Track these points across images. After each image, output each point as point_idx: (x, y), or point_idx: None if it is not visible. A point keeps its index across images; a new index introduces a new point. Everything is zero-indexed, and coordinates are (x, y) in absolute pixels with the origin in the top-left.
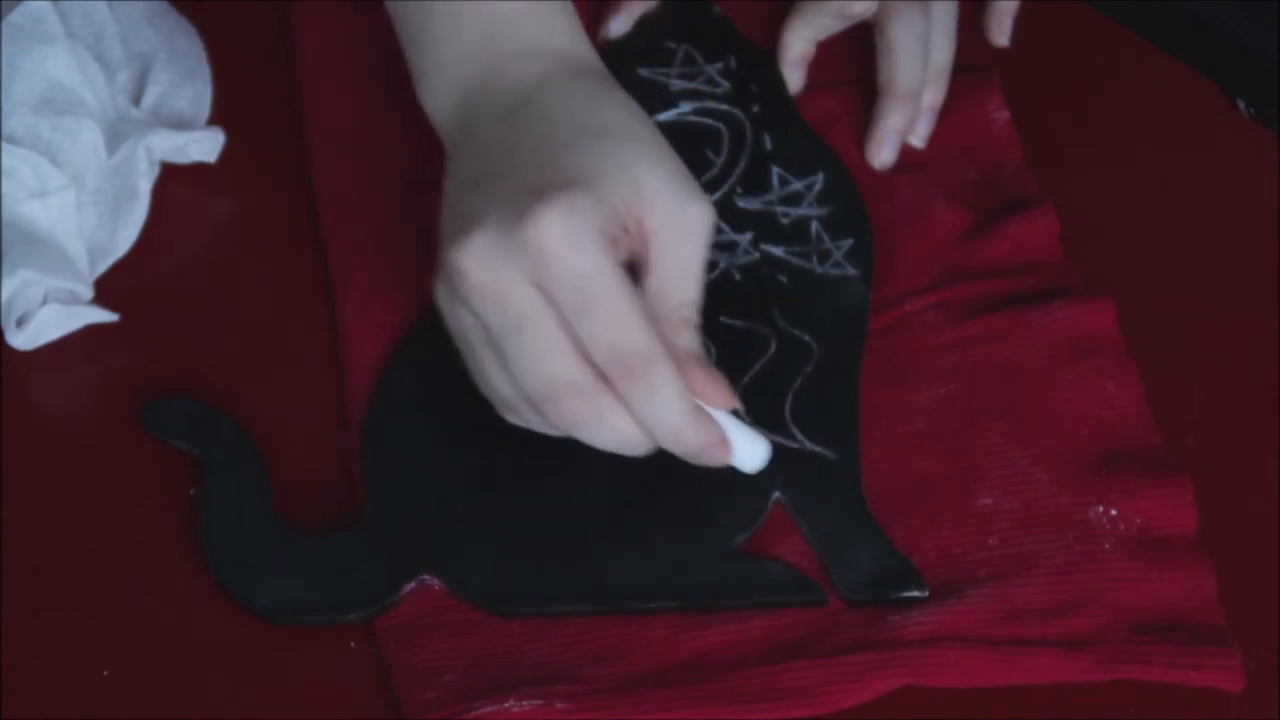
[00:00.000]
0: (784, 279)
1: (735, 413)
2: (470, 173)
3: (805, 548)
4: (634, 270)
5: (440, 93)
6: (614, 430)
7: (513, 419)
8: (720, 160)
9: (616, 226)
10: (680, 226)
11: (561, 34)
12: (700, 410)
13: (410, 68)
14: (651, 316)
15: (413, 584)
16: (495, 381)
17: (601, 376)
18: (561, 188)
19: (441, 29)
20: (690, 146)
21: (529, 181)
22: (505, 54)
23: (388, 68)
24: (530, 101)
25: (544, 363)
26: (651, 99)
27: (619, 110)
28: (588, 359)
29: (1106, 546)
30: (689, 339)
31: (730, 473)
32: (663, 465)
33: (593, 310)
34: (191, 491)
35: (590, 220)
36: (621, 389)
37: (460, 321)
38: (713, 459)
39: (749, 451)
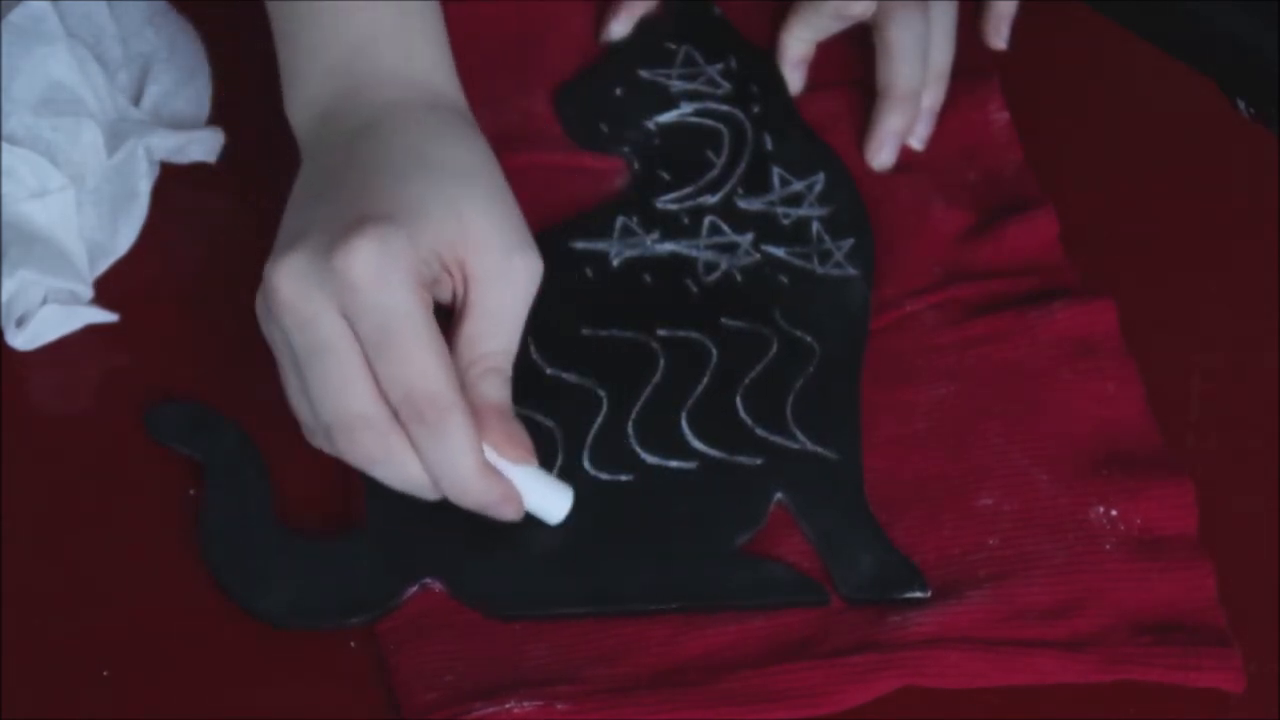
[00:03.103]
0: (785, 280)
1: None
2: (309, 189)
3: (807, 548)
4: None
5: (301, 104)
6: (403, 472)
7: (314, 443)
8: (721, 161)
9: (434, 266)
10: (502, 275)
11: (422, 63)
12: (489, 465)
13: (280, 71)
14: (463, 363)
15: (415, 587)
16: (298, 402)
17: (396, 419)
18: (380, 220)
19: (309, 42)
20: (691, 147)
21: (353, 209)
22: (363, 75)
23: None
24: (374, 127)
25: (340, 394)
26: (652, 100)
27: (461, 148)
28: (385, 397)
29: (1107, 547)
30: (496, 389)
31: (732, 473)
32: (665, 468)
33: (391, 348)
34: (191, 492)
35: (403, 257)
36: (411, 433)
37: (272, 337)
38: (501, 514)
39: (550, 504)
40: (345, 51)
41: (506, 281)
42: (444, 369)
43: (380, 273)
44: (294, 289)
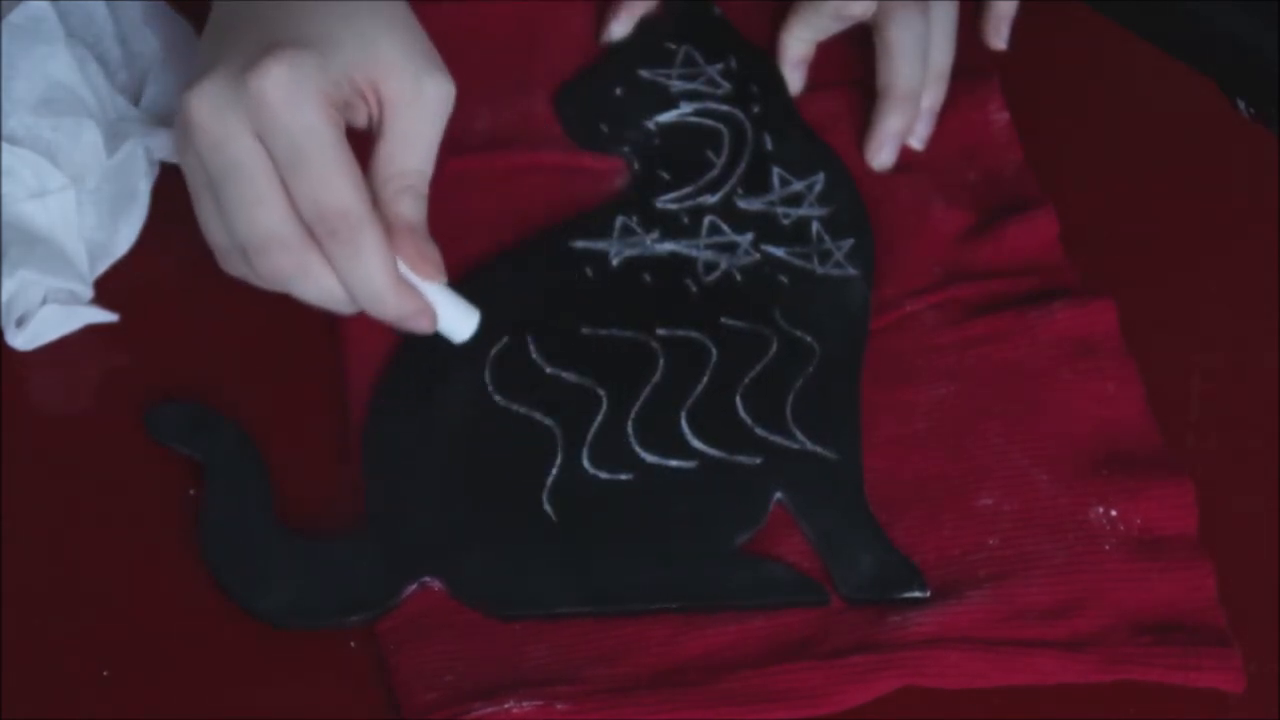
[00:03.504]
0: (785, 279)
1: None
2: (221, 24)
3: (807, 548)
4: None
5: None
6: (319, 288)
7: (229, 269)
8: (721, 161)
9: (346, 90)
10: (414, 96)
11: None
12: (403, 279)
13: None
14: (378, 182)
15: (414, 586)
16: (213, 227)
17: (311, 234)
18: (291, 45)
19: None
20: (691, 147)
21: (266, 37)
22: None
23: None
24: None
25: (255, 213)
26: (652, 100)
27: None
28: (299, 216)
29: (1107, 547)
30: (410, 208)
31: (732, 473)
32: (664, 468)
33: (303, 166)
34: (191, 492)
35: (314, 80)
36: (326, 248)
37: (186, 164)
38: (415, 327)
39: (458, 322)
40: None
41: (418, 103)
42: (355, 186)
43: (292, 93)
44: (208, 112)
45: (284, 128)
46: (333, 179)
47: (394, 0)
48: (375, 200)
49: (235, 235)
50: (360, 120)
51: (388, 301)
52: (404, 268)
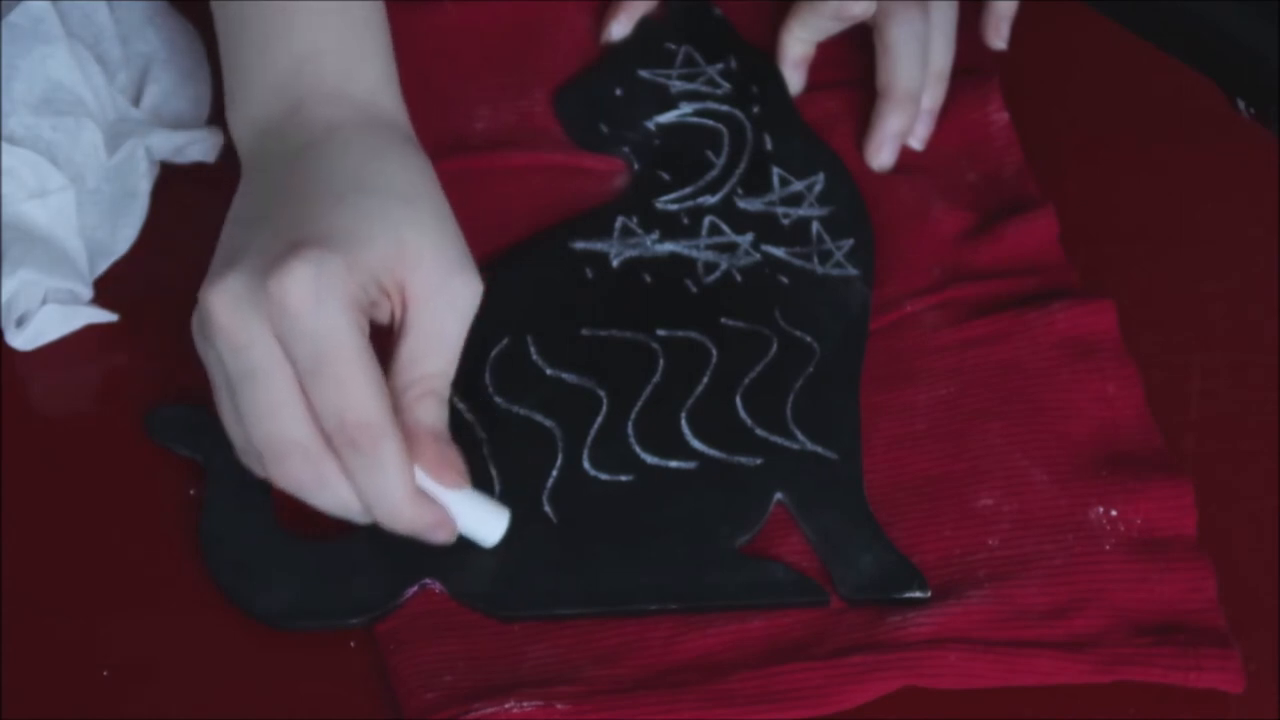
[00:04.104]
0: (785, 280)
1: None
2: (248, 208)
3: (807, 548)
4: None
5: (243, 119)
6: (335, 498)
7: (247, 465)
8: (721, 161)
9: (372, 290)
10: (441, 296)
11: (365, 81)
12: (420, 492)
13: (224, 83)
14: (400, 384)
15: (414, 587)
16: (231, 425)
17: (329, 445)
18: (317, 244)
19: (253, 56)
20: (691, 147)
21: (292, 231)
22: (306, 92)
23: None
24: (314, 147)
25: (272, 418)
26: (652, 100)
27: (402, 169)
28: (319, 424)
29: (1106, 548)
30: (432, 413)
31: (732, 473)
32: (664, 468)
33: (325, 374)
34: (192, 492)
35: (339, 282)
36: (344, 459)
37: (207, 360)
38: (433, 539)
39: (485, 526)
40: (289, 66)
41: (446, 302)
42: (378, 396)
43: (315, 298)
44: (229, 312)
45: (306, 333)
46: (355, 388)
47: (429, 188)
48: (396, 403)
49: (253, 438)
50: (383, 317)
51: (405, 515)
52: (423, 476)
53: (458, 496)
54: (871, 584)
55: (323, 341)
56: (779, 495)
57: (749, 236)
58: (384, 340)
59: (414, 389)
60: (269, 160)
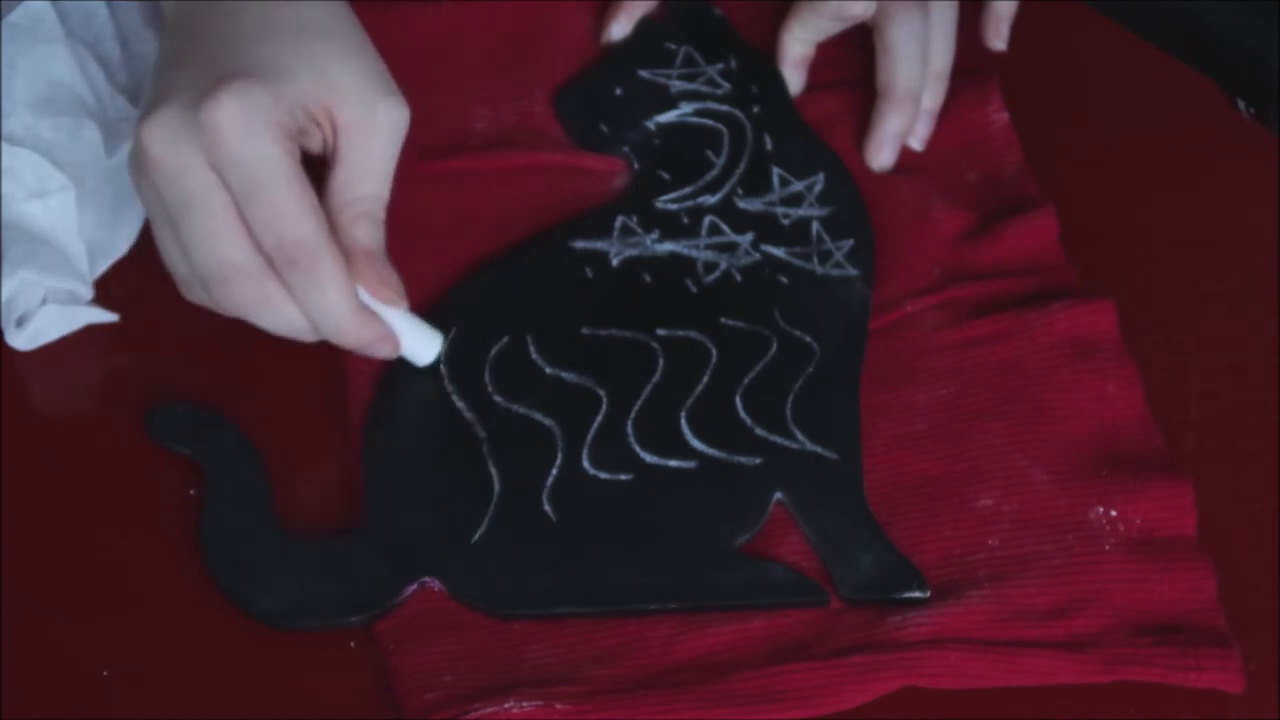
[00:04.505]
0: (785, 280)
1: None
2: (174, 53)
3: (807, 548)
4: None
5: None
6: (280, 317)
7: (190, 297)
8: (721, 161)
9: (299, 117)
10: (368, 121)
11: None
12: (364, 306)
13: None
14: (334, 208)
15: (414, 586)
16: (173, 257)
17: (270, 265)
18: (243, 76)
19: None
20: (691, 147)
21: (218, 67)
22: None
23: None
24: None
25: (213, 243)
26: (652, 100)
27: (319, 9)
28: (258, 245)
29: (1106, 548)
30: (367, 233)
31: (732, 473)
32: (664, 468)
33: (260, 197)
34: (192, 492)
35: (266, 110)
36: (285, 278)
37: (144, 195)
38: (378, 353)
39: (421, 346)
40: None
41: (373, 128)
42: (313, 215)
43: (245, 124)
44: (163, 144)
45: (238, 159)
46: (290, 209)
47: (346, 24)
48: (332, 227)
49: (194, 266)
50: (315, 146)
51: (349, 329)
52: (365, 294)
53: (396, 317)
54: (871, 584)
55: (255, 167)
56: (779, 495)
57: (749, 236)
58: (319, 168)
59: (348, 211)
60: (190, 10)
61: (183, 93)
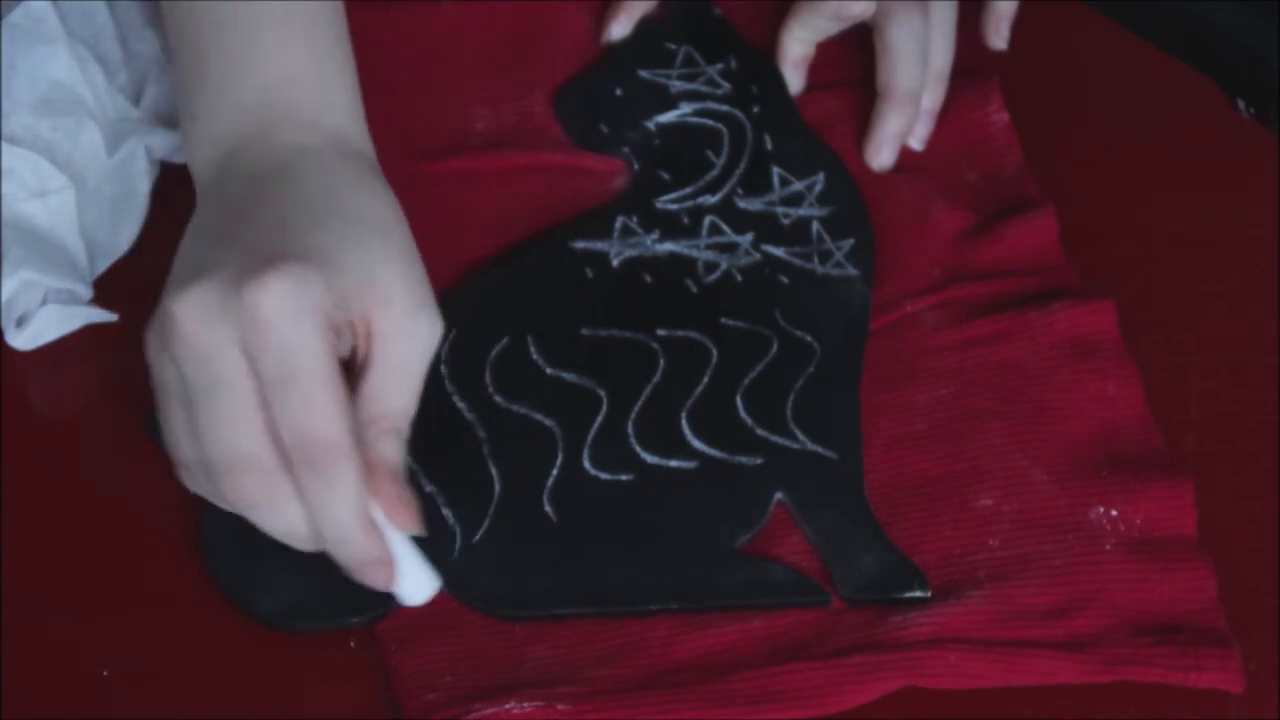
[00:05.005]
0: (785, 280)
1: (418, 541)
2: (212, 226)
3: (807, 548)
4: (352, 372)
5: (204, 140)
6: (284, 518)
7: (189, 484)
8: (721, 161)
9: (343, 315)
10: (408, 333)
11: (337, 112)
12: (372, 524)
13: (179, 103)
14: (362, 419)
15: None
16: (181, 440)
17: (285, 463)
18: (296, 260)
19: (218, 77)
20: (691, 147)
21: (265, 247)
22: (275, 118)
23: (385, 69)
24: (287, 170)
25: (231, 431)
26: (652, 100)
27: (375, 201)
28: (277, 441)
29: (1107, 548)
30: (392, 449)
31: (732, 473)
32: (665, 468)
33: (292, 387)
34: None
35: (316, 298)
36: (300, 477)
37: (162, 371)
38: (372, 578)
39: (416, 582)
40: (258, 93)
41: (412, 338)
42: (344, 416)
43: (292, 310)
44: (196, 320)
45: (279, 345)
46: (322, 404)
47: (398, 222)
48: (365, 442)
49: (205, 453)
50: (343, 349)
51: (354, 542)
52: (377, 514)
53: (402, 546)
54: (872, 584)
55: (294, 354)
56: (779, 495)
57: (749, 236)
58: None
59: (376, 425)
60: (233, 179)
61: (223, 269)
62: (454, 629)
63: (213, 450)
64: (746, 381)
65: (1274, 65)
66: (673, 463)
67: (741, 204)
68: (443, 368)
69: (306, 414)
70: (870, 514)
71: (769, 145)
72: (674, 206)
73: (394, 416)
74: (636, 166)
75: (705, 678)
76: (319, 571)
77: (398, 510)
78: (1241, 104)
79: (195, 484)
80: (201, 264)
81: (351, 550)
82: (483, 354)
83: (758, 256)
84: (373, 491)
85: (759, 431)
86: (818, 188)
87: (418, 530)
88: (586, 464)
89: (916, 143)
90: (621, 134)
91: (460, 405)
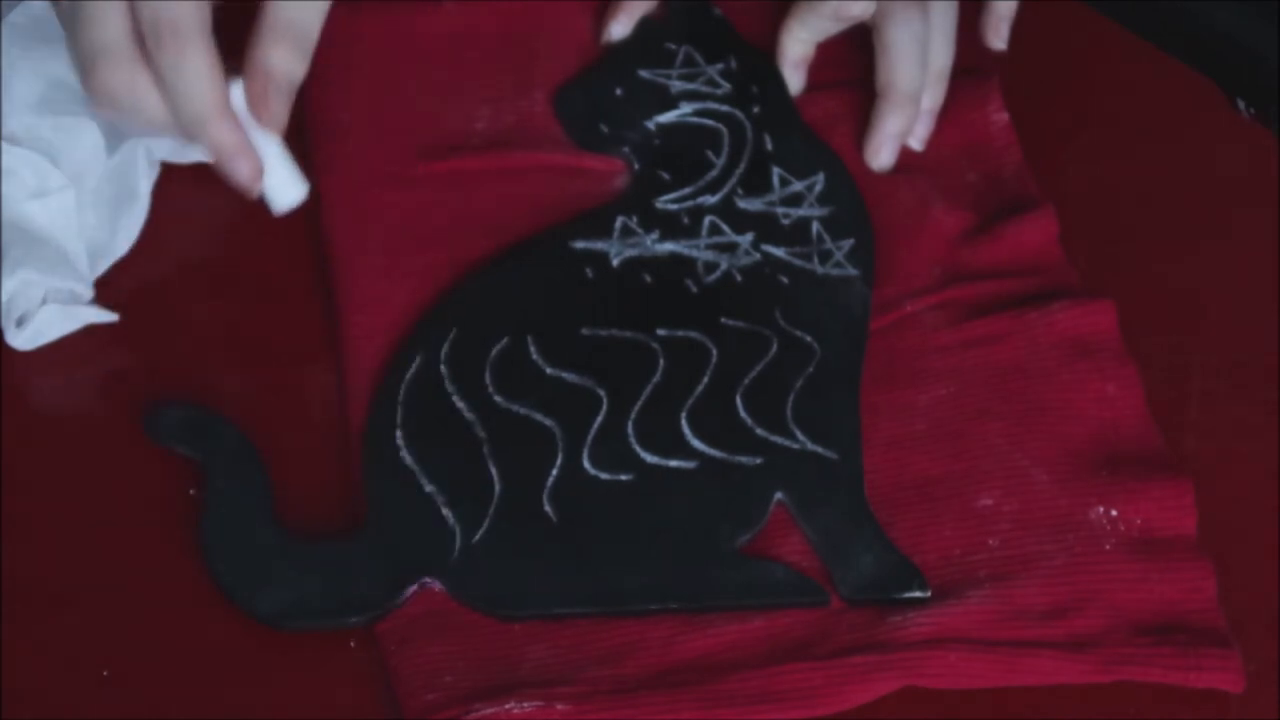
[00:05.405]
0: (785, 280)
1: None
2: None
3: (807, 548)
4: None
5: None
6: (145, 108)
7: (85, 91)
8: (721, 161)
9: None
10: None
11: None
12: (232, 113)
13: None
14: (262, 26)
15: (414, 587)
16: (70, 49)
17: (144, 53)
18: None
19: None
20: (691, 147)
21: None
22: None
23: (386, 69)
24: None
25: (94, 25)
26: (652, 100)
27: None
28: (137, 33)
29: (1107, 548)
30: (285, 59)
31: (732, 473)
32: (664, 468)
33: None
34: (191, 492)
35: None
36: (154, 59)
37: None
38: (237, 171)
39: (284, 185)
40: None
41: None
42: (196, 3)
43: None
44: None
45: None
46: None
47: None
48: (255, 39)
49: (77, 50)
50: None
51: (209, 125)
52: (243, 110)
53: (271, 147)
54: (872, 584)
55: None
56: (779, 495)
57: (749, 236)
58: None
59: (275, 30)
60: None
61: None
62: (454, 629)
63: (83, 44)
64: (746, 381)
65: (1274, 65)
66: (672, 463)
67: (741, 204)
68: (443, 368)
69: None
70: (870, 514)
71: (769, 145)
72: (674, 206)
73: (295, 26)
74: (636, 166)
75: (705, 678)
76: (319, 571)
77: (263, 108)
78: (1241, 104)
79: (84, 88)
80: None
81: (208, 133)
82: (483, 354)
83: (758, 256)
84: (246, 85)
85: (759, 431)
86: (818, 188)
87: (276, 130)
88: (586, 464)
89: (916, 143)
90: (621, 134)
91: (460, 405)
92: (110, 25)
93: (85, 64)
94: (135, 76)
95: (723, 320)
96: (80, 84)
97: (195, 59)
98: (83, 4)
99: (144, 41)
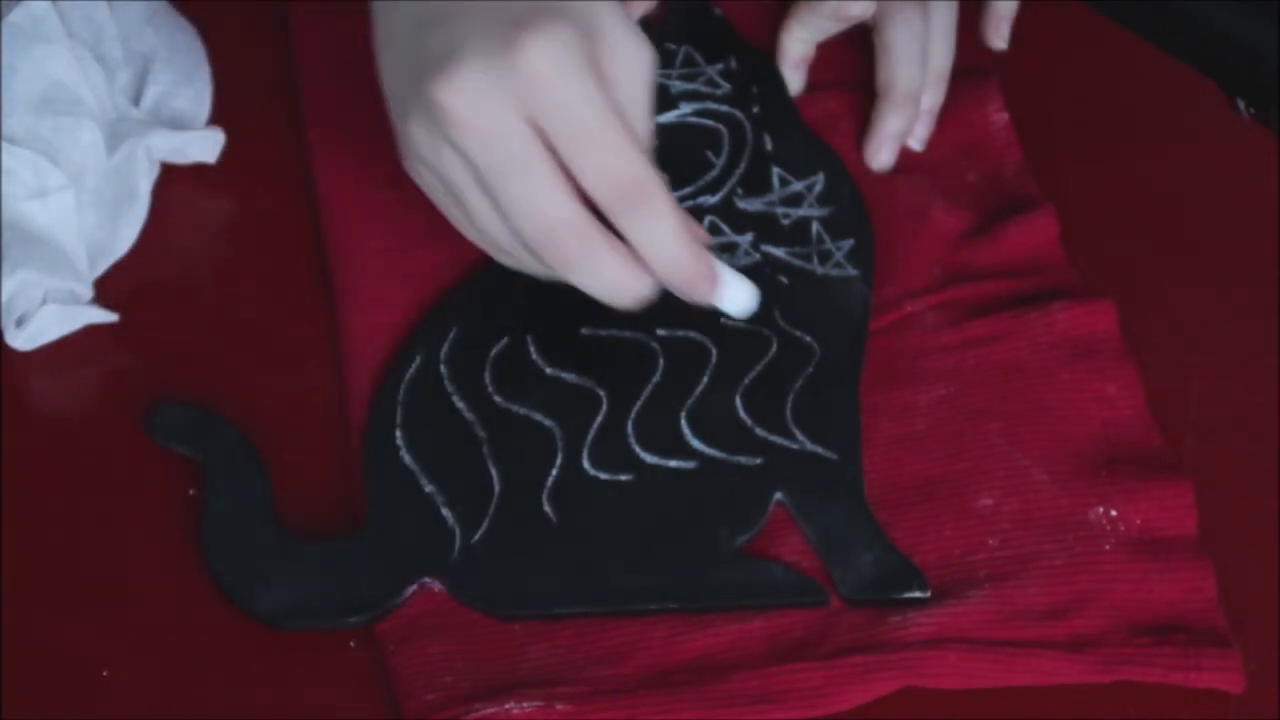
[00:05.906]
0: (785, 280)
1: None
2: (422, 12)
3: (807, 548)
4: None
5: None
6: (607, 271)
7: (507, 262)
8: (721, 161)
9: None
10: (636, 64)
11: None
12: (694, 241)
13: None
14: None
15: (414, 587)
16: (487, 225)
17: (595, 216)
18: (546, 16)
19: None
20: (690, 148)
21: (506, 13)
22: None
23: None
24: None
25: (539, 202)
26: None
27: None
28: (582, 197)
29: (1107, 548)
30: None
31: (732, 473)
32: (664, 468)
33: (590, 140)
34: (191, 492)
35: (579, 48)
36: (622, 220)
37: (444, 165)
38: (703, 294)
39: (739, 292)
40: None
41: (640, 68)
42: (641, 150)
43: (566, 65)
44: (470, 103)
45: (562, 103)
46: (622, 147)
47: None
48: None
49: (518, 229)
50: None
51: (686, 262)
52: None
53: (712, 259)
54: (871, 584)
55: (582, 107)
56: (779, 495)
57: (749, 236)
58: None
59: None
60: None
61: (475, 45)
62: (454, 629)
63: (525, 224)
64: (746, 382)
65: (1274, 65)
66: (672, 463)
67: (741, 204)
68: (442, 368)
69: (610, 160)
70: (870, 514)
71: (769, 145)
72: None
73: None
74: None
75: (705, 678)
76: (319, 571)
77: (692, 228)
78: (1241, 104)
79: (510, 261)
80: (442, 49)
81: (684, 270)
82: (483, 354)
83: (757, 257)
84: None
85: (758, 432)
86: (817, 188)
87: (708, 239)
88: (586, 464)
89: (916, 143)
90: None
91: (460, 405)
92: (562, 200)
93: (542, 240)
94: (595, 245)
95: (722, 320)
96: (519, 256)
97: (665, 210)
98: (517, 180)
99: (601, 204)
